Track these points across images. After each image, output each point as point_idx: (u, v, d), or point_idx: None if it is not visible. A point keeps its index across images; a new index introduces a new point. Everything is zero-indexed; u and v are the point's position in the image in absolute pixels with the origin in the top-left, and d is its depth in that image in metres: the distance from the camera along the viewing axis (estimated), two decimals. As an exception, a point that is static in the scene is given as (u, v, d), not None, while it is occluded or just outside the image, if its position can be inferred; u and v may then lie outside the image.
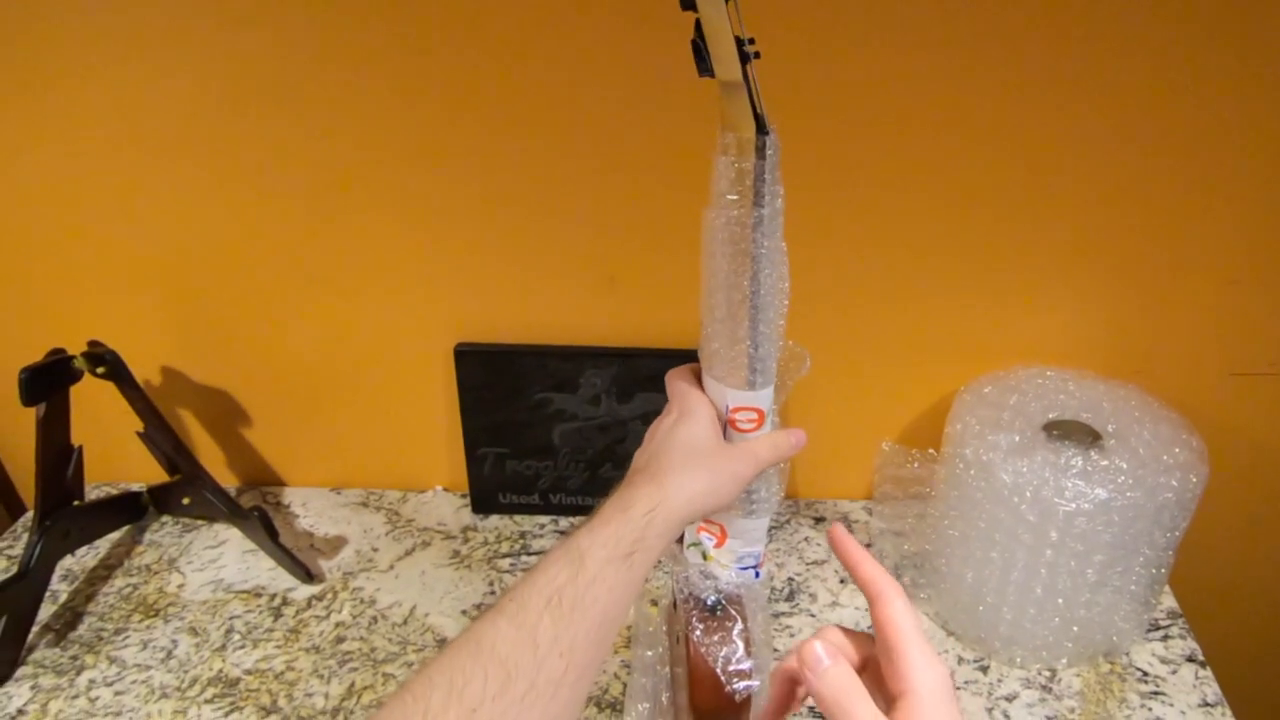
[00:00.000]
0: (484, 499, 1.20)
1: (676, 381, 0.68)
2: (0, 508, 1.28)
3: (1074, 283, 1.01)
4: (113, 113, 0.97)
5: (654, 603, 0.96)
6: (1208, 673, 0.96)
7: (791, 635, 1.00)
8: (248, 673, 0.97)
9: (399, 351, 1.13)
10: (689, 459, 0.62)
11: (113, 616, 1.04)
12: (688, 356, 0.69)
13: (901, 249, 1.00)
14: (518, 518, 1.20)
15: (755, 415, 0.65)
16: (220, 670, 0.97)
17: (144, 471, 1.18)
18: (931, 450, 1.10)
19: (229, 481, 1.27)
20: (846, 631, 0.54)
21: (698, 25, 0.49)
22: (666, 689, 0.84)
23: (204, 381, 1.17)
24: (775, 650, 0.98)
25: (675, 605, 0.78)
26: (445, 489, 1.25)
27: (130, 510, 1.18)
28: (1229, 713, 0.91)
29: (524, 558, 1.13)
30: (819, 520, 1.17)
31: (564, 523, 1.19)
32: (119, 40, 0.92)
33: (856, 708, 0.47)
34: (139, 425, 1.07)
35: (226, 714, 0.92)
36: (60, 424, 1.02)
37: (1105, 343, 1.04)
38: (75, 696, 0.94)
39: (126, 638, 1.01)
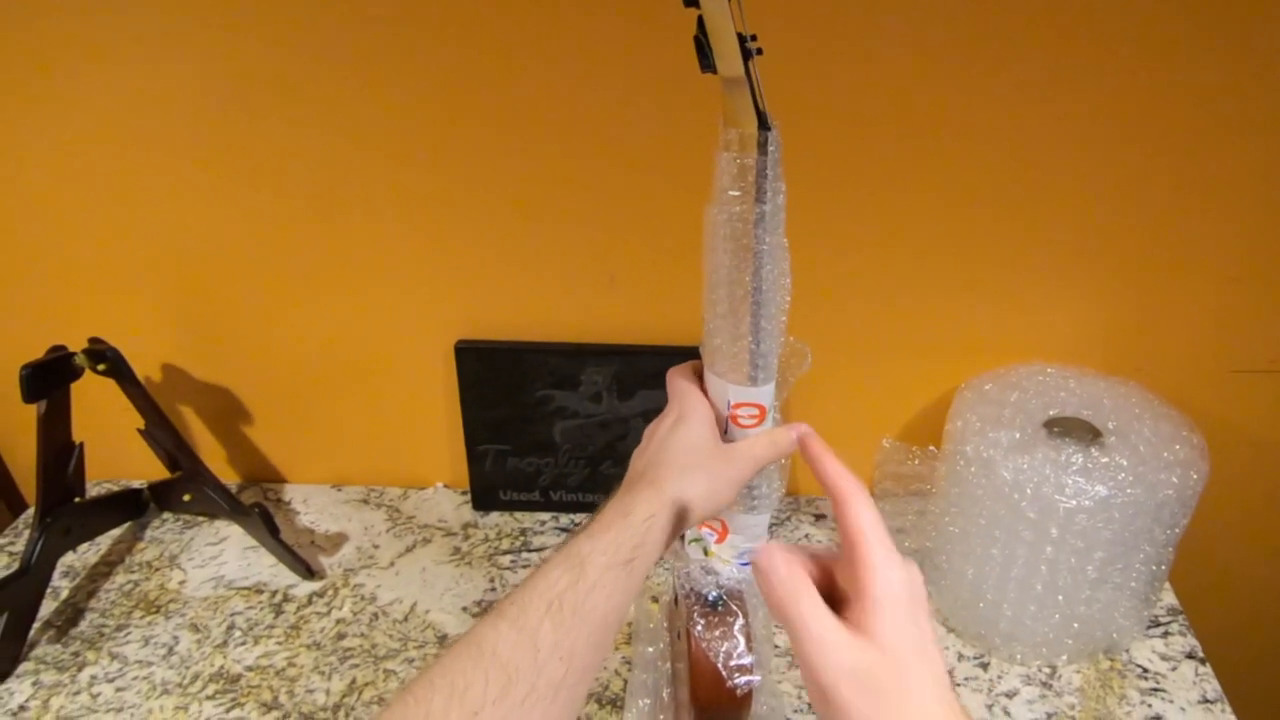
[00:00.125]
0: (485, 496, 1.20)
1: (677, 380, 0.68)
2: (2, 504, 1.28)
3: (1074, 280, 1.01)
4: (114, 111, 0.97)
5: (655, 599, 0.96)
6: (1207, 669, 0.96)
7: (792, 632, 1.00)
8: (249, 669, 0.97)
9: (400, 348, 1.13)
10: (687, 464, 0.62)
11: (114, 613, 1.04)
12: (689, 353, 0.68)
13: (903, 247, 1.00)
14: (518, 515, 1.20)
15: (757, 411, 0.65)
16: (221, 666, 0.97)
17: (145, 468, 1.18)
18: (932, 447, 1.10)
19: (230, 478, 1.27)
20: (817, 548, 0.54)
21: (700, 21, 0.49)
22: (667, 685, 0.84)
23: (205, 378, 1.17)
24: (776, 646, 0.98)
25: (676, 601, 0.78)
26: (446, 486, 1.25)
27: (131, 507, 1.18)
28: (1229, 709, 0.92)
29: (524, 554, 1.13)
30: (820, 517, 1.17)
31: (564, 520, 1.19)
32: (120, 39, 0.92)
33: (799, 607, 0.47)
34: (140, 422, 1.08)
35: (228, 710, 0.93)
36: (61, 421, 1.02)
37: (1106, 340, 1.04)
38: (77, 692, 0.95)
39: (128, 634, 1.02)
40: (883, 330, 1.07)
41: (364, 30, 0.91)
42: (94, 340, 1.02)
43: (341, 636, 1.01)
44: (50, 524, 1.01)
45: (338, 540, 1.16)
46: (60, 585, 1.08)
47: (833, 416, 1.12)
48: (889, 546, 0.48)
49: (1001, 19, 0.86)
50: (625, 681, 0.94)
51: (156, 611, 1.05)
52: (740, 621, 0.71)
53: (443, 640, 1.01)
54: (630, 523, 0.58)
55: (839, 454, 0.54)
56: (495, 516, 1.20)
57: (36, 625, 1.01)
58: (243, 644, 1.00)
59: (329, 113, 0.96)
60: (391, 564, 1.12)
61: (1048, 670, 0.96)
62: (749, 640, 0.70)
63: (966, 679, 0.95)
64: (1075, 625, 0.94)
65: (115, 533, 1.17)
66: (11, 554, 1.14)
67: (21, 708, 0.93)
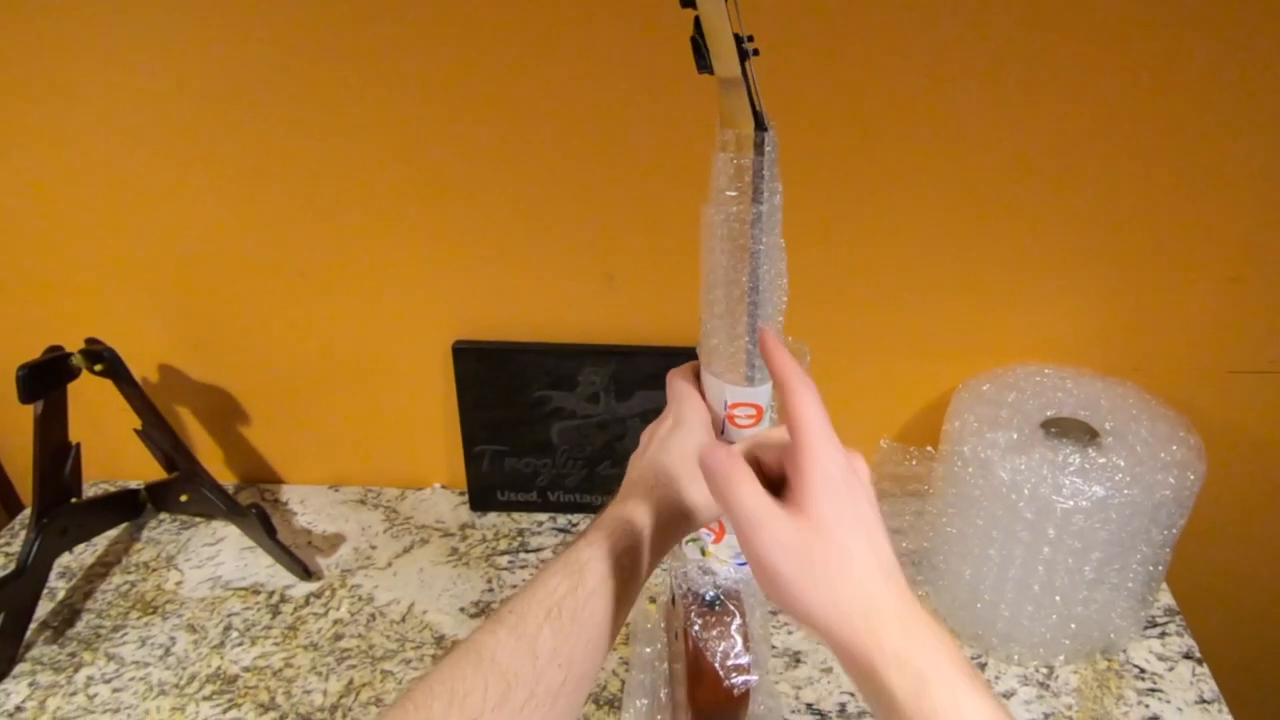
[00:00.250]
0: (482, 496, 1.20)
1: (677, 382, 0.68)
2: (-2, 505, 1.28)
3: (1072, 281, 1.01)
4: (111, 111, 0.97)
5: (652, 600, 0.96)
6: (1204, 669, 0.96)
7: (789, 632, 1.00)
8: (246, 670, 0.97)
9: (397, 349, 1.13)
10: (685, 470, 0.62)
11: (111, 614, 1.04)
12: (686, 354, 0.68)
13: (900, 247, 1.00)
14: (516, 515, 1.20)
15: (754, 411, 0.65)
16: (218, 667, 0.97)
17: (142, 469, 1.18)
18: (930, 448, 1.10)
19: (227, 479, 1.27)
20: (771, 440, 0.55)
21: (697, 22, 0.49)
22: (665, 685, 0.84)
23: (202, 379, 1.17)
24: (774, 646, 0.98)
25: (673, 601, 0.78)
26: (443, 486, 1.25)
27: (128, 507, 1.18)
28: (1225, 709, 0.92)
29: (522, 555, 1.13)
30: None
31: (562, 520, 1.19)
32: (118, 39, 0.92)
33: (737, 491, 0.49)
34: (137, 423, 1.08)
35: (225, 711, 0.92)
36: (58, 421, 1.02)
37: (1103, 340, 1.05)
38: (73, 693, 0.94)
39: (124, 635, 1.01)
40: (880, 330, 1.07)
41: (361, 30, 0.91)
42: (91, 340, 1.02)
43: (339, 637, 1.01)
44: (47, 524, 1.01)
45: (335, 541, 1.16)
46: (57, 586, 1.08)
47: (830, 416, 1.11)
48: (828, 434, 0.49)
49: (1000, 19, 0.86)
50: (623, 682, 0.94)
51: (153, 612, 1.05)
52: (738, 621, 0.71)
53: (440, 641, 1.01)
54: (628, 531, 0.58)
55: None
56: (493, 517, 1.20)
57: (33, 626, 1.01)
58: (240, 645, 1.00)
59: (327, 114, 0.96)
60: (389, 565, 1.12)
61: (1045, 671, 0.96)
62: (746, 640, 0.70)
63: (964, 679, 0.95)
64: (1072, 625, 0.94)
65: (112, 533, 1.17)
66: (8, 554, 1.14)
67: (18, 708, 0.93)
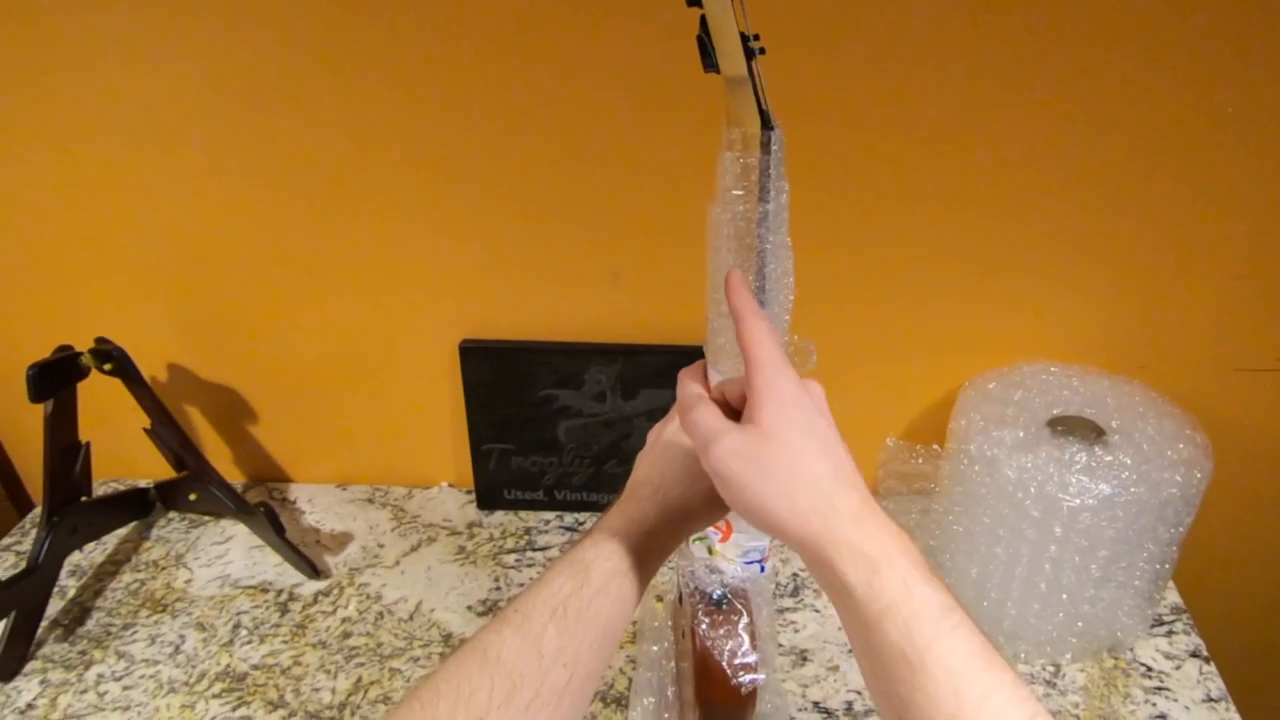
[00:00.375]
0: (489, 495, 1.20)
1: (685, 382, 0.68)
2: (8, 504, 1.28)
3: (1078, 279, 1.01)
4: (119, 112, 0.97)
5: (659, 598, 0.97)
6: (1211, 668, 0.96)
7: (796, 630, 1.01)
8: (255, 668, 0.97)
9: (404, 348, 1.13)
10: (691, 472, 0.62)
11: (120, 612, 1.05)
12: (693, 352, 0.68)
13: (906, 246, 1.00)
14: (523, 514, 1.20)
15: (760, 410, 0.65)
16: (228, 665, 0.98)
17: (151, 468, 1.18)
18: (936, 446, 1.10)
19: (235, 478, 1.28)
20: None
21: (703, 21, 0.49)
22: (672, 683, 0.84)
23: (210, 378, 1.18)
24: (781, 645, 0.98)
25: (680, 600, 0.78)
26: (451, 485, 1.26)
27: (137, 506, 1.19)
28: (1233, 708, 0.92)
29: (529, 553, 1.13)
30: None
31: (569, 519, 1.19)
32: (125, 39, 0.93)
33: (694, 412, 0.53)
34: (146, 422, 1.08)
35: (234, 709, 0.93)
36: (68, 420, 1.02)
37: (1109, 339, 1.04)
38: (84, 691, 0.95)
39: (134, 633, 1.02)
40: (886, 329, 1.07)
41: (368, 30, 0.91)
42: (100, 340, 1.02)
43: (347, 635, 1.01)
44: (57, 523, 1.01)
45: (343, 539, 1.16)
46: (67, 584, 1.09)
47: (836, 415, 1.10)
48: (778, 357, 0.52)
49: (1005, 21, 0.86)
50: (630, 680, 0.94)
51: (163, 610, 1.05)
52: (744, 620, 0.71)
53: (448, 639, 1.01)
54: (634, 531, 0.58)
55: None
56: (500, 515, 1.20)
57: (44, 624, 1.02)
58: (249, 643, 1.01)
59: (336, 114, 0.96)
60: (396, 563, 1.12)
61: (1052, 669, 0.96)
62: (753, 638, 0.70)
63: (970, 677, 0.95)
64: (1079, 624, 0.94)
65: (121, 532, 1.17)
66: (19, 553, 1.14)
67: (29, 705, 0.93)
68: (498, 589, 1.08)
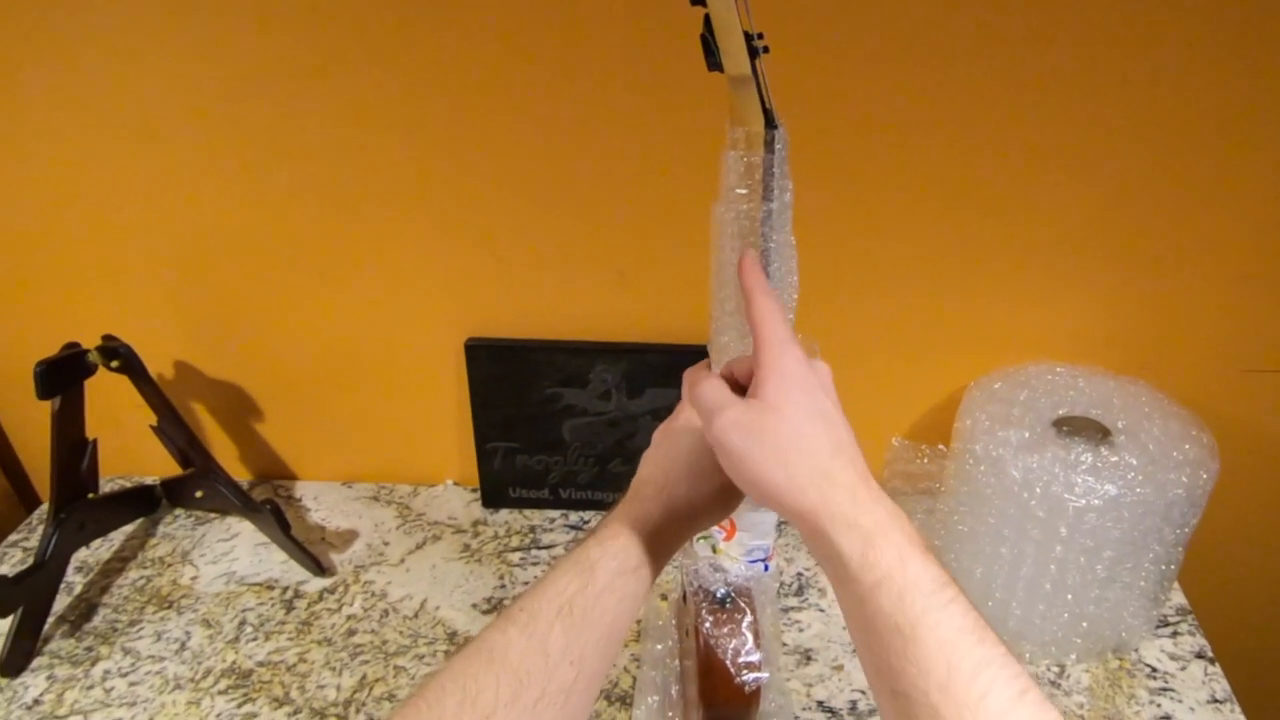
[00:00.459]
0: (494, 493, 1.20)
1: (690, 381, 0.68)
2: (16, 500, 1.29)
3: (1083, 279, 1.01)
4: (125, 107, 0.98)
5: (664, 597, 0.97)
6: (1217, 669, 0.96)
7: (801, 630, 1.01)
8: (260, 664, 0.98)
9: (410, 346, 1.14)
10: (695, 471, 0.62)
11: (127, 608, 1.05)
12: (698, 352, 0.69)
13: (911, 245, 1.00)
14: (528, 512, 1.20)
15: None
16: (233, 662, 0.98)
17: (157, 465, 1.19)
18: (941, 446, 1.10)
19: (241, 475, 1.28)
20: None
21: (707, 20, 0.49)
22: (676, 682, 0.84)
23: (217, 375, 1.18)
24: (785, 644, 0.98)
25: (685, 599, 0.78)
26: (456, 483, 1.26)
27: (144, 503, 1.19)
28: (1238, 709, 0.91)
29: (534, 552, 1.13)
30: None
31: (574, 517, 1.19)
32: (128, 34, 0.93)
33: (699, 386, 0.55)
34: (152, 419, 1.08)
35: (239, 705, 0.93)
36: (75, 417, 1.03)
37: (1115, 339, 1.04)
38: (90, 687, 0.95)
39: (140, 629, 1.02)
40: (891, 328, 1.07)
41: (374, 26, 0.91)
42: (107, 337, 1.02)
43: (352, 633, 1.02)
44: (64, 520, 1.02)
45: (348, 537, 1.16)
46: (74, 580, 1.09)
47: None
48: (786, 335, 0.53)
49: (1009, 19, 0.86)
50: (635, 679, 0.94)
51: (169, 607, 1.05)
52: (748, 618, 0.71)
53: (453, 637, 1.01)
54: (639, 530, 0.58)
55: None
56: (505, 514, 1.20)
57: (51, 620, 1.02)
58: (254, 640, 1.01)
59: (342, 111, 0.97)
60: (402, 561, 1.12)
61: (1056, 669, 0.96)
62: (757, 637, 0.71)
63: (975, 677, 0.95)
64: (1084, 624, 0.94)
65: (128, 529, 1.18)
66: (26, 549, 1.15)
67: (36, 701, 0.94)
68: (502, 587, 1.08)
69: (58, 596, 1.04)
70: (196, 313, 1.13)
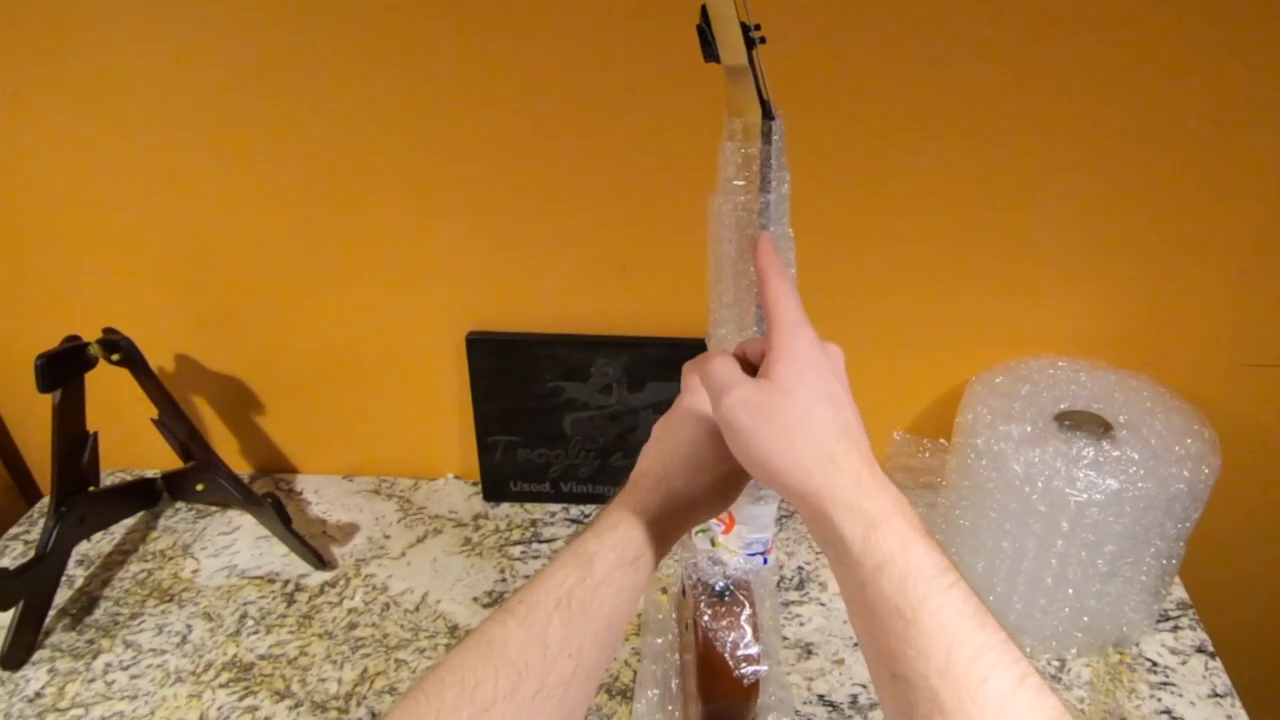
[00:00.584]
0: (495, 487, 1.20)
1: (690, 375, 0.68)
2: (17, 493, 1.29)
3: (1086, 273, 1.01)
4: (126, 102, 0.98)
5: (664, 591, 0.97)
6: (1217, 664, 0.96)
7: (801, 624, 1.00)
8: (261, 658, 0.98)
9: (411, 339, 1.14)
10: (694, 463, 0.62)
11: (128, 601, 1.05)
12: (699, 345, 0.69)
13: (912, 239, 1.00)
14: (529, 505, 1.20)
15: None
16: (234, 655, 0.98)
17: (158, 458, 1.19)
18: (943, 440, 1.10)
19: (242, 468, 1.28)
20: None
21: (704, 11, 0.49)
22: (676, 675, 0.84)
23: (218, 369, 1.18)
24: (785, 638, 0.98)
25: (684, 593, 0.78)
26: (457, 477, 1.26)
27: (145, 496, 1.19)
28: (1238, 703, 0.91)
29: (535, 545, 1.13)
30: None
31: (575, 511, 1.19)
32: (134, 27, 0.93)
33: (710, 364, 0.54)
34: (153, 412, 1.08)
35: (241, 698, 0.93)
36: (75, 410, 1.03)
37: (1117, 333, 1.04)
38: (91, 680, 0.95)
39: (142, 622, 1.02)
40: (892, 323, 1.06)
41: (377, 19, 0.91)
42: (108, 330, 1.02)
43: (353, 626, 1.02)
44: (65, 513, 1.02)
45: (349, 530, 1.16)
46: (75, 573, 1.10)
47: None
48: (800, 317, 0.53)
49: (1013, 17, 0.85)
50: (635, 673, 0.94)
51: (170, 600, 1.06)
52: (747, 611, 0.71)
53: (453, 630, 1.01)
54: (637, 522, 0.58)
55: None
56: (506, 507, 1.20)
57: (52, 613, 1.02)
58: (255, 633, 1.01)
59: (343, 106, 0.96)
60: (403, 554, 1.12)
61: (1057, 664, 0.96)
62: (756, 630, 0.70)
63: (975, 672, 0.95)
64: (1085, 619, 0.94)
65: (129, 522, 1.18)
66: (27, 542, 1.15)
67: (38, 694, 0.94)
68: (503, 581, 1.08)
69: (59, 590, 1.04)
70: (197, 306, 1.13)
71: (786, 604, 1.03)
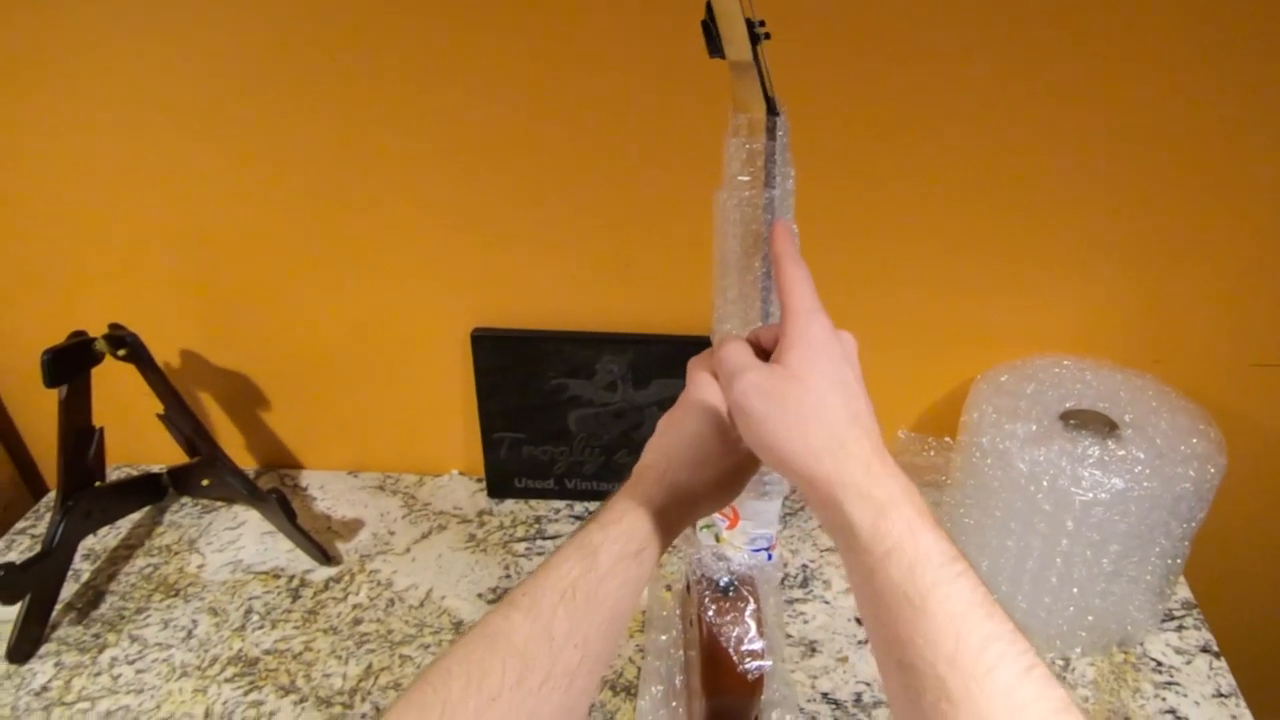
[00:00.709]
0: (500, 483, 1.20)
1: (696, 370, 0.68)
2: (23, 488, 1.29)
3: (1091, 272, 1.00)
4: (133, 98, 0.98)
5: (668, 587, 0.97)
6: (1222, 663, 0.95)
7: (805, 621, 1.00)
8: (267, 653, 0.98)
9: (417, 336, 1.14)
10: (698, 456, 0.62)
11: (134, 596, 1.06)
12: (704, 343, 0.68)
13: (918, 237, 1.00)
14: (533, 502, 1.20)
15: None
16: (240, 650, 0.98)
17: (164, 453, 1.19)
18: (948, 438, 1.10)
19: (248, 464, 1.29)
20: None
21: (709, 7, 0.49)
22: (680, 671, 0.84)
23: (223, 364, 1.19)
24: (789, 635, 0.98)
25: (689, 589, 0.78)
26: (462, 473, 1.26)
27: (150, 491, 1.20)
28: (1243, 703, 0.91)
29: (539, 542, 1.13)
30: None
31: (579, 507, 1.19)
32: (138, 24, 0.93)
33: (724, 350, 0.55)
34: (159, 407, 1.09)
35: (246, 693, 0.94)
36: (82, 406, 1.03)
37: (1123, 332, 1.04)
38: (98, 674, 0.96)
39: (148, 617, 1.03)
40: (898, 320, 1.06)
41: (381, 18, 0.91)
42: (114, 326, 1.03)
43: (358, 622, 1.02)
44: (71, 507, 1.02)
45: (354, 526, 1.17)
46: (81, 568, 1.10)
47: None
48: (814, 304, 0.54)
49: (1016, 14, 0.85)
50: (639, 669, 0.95)
51: (175, 595, 1.06)
52: (751, 607, 0.71)
53: (458, 626, 1.01)
54: (641, 515, 0.58)
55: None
56: (510, 504, 1.20)
57: (58, 607, 1.03)
58: (260, 628, 1.01)
59: (349, 102, 0.97)
60: (407, 550, 1.12)
61: (1061, 663, 0.96)
62: (760, 625, 0.71)
63: (979, 670, 0.95)
64: (1090, 618, 0.93)
65: (135, 516, 1.18)
66: (34, 537, 1.15)
67: (44, 688, 0.94)
68: (508, 577, 1.08)
69: (65, 584, 1.04)
70: (203, 302, 1.13)
71: (790, 601, 1.03)
